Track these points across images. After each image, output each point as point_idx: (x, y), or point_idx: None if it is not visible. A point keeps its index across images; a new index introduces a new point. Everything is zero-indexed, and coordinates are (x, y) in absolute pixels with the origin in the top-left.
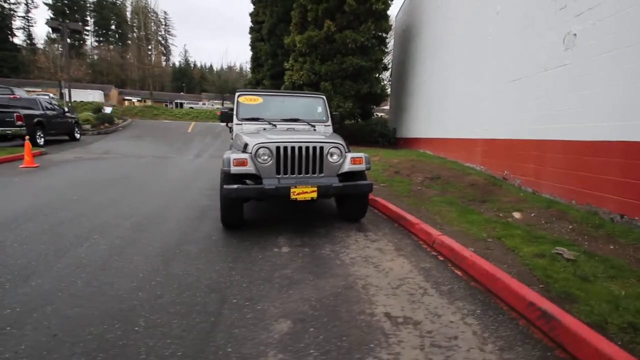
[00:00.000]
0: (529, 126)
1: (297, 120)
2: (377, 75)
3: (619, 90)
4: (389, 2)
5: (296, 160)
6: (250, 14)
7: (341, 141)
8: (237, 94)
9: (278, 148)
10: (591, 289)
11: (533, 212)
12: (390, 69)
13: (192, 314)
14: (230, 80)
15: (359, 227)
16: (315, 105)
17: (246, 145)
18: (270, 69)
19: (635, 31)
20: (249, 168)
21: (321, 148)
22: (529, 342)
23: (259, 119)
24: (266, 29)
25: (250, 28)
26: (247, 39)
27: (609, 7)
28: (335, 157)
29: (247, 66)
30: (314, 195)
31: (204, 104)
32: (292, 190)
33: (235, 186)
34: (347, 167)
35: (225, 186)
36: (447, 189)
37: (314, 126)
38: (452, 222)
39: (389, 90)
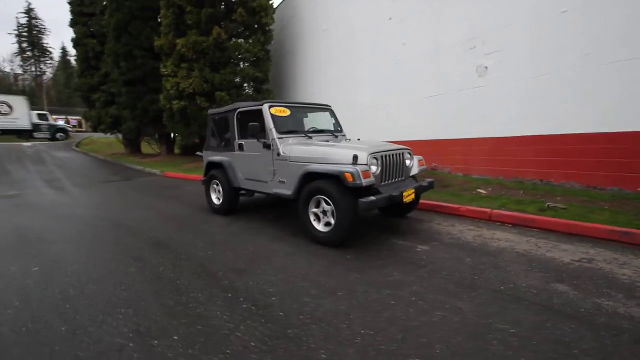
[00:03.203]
0: (454, 129)
1: (323, 131)
2: (268, 87)
3: (522, 103)
4: (273, 18)
5: (392, 167)
6: (71, 3)
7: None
8: (266, 105)
9: (383, 157)
10: (594, 219)
11: (490, 188)
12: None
13: (493, 300)
14: None
15: (421, 220)
16: (329, 117)
17: (356, 157)
18: (125, 72)
19: (528, 67)
20: (372, 179)
21: (403, 154)
22: (629, 249)
23: (295, 131)
24: (112, 25)
25: (73, 21)
26: None
27: (512, 50)
28: (408, 161)
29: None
30: (414, 196)
31: None
32: (404, 194)
33: (374, 198)
34: (417, 169)
35: (362, 200)
36: None
37: (337, 136)
38: (460, 203)
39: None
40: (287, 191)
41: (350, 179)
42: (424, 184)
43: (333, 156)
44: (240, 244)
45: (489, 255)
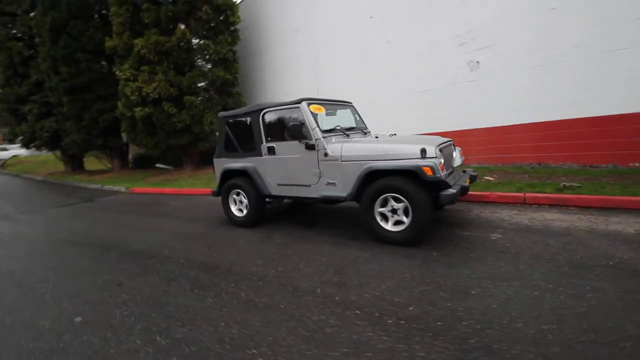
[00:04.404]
0: (449, 121)
1: (352, 129)
2: (237, 90)
3: (515, 94)
4: (239, 17)
5: (448, 159)
6: None
7: None
8: (304, 103)
9: (442, 149)
10: (612, 193)
11: (495, 174)
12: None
13: None
14: None
15: (460, 210)
16: (353, 113)
17: (424, 150)
18: (66, 78)
19: (521, 60)
20: (446, 172)
21: (451, 146)
22: None
23: (332, 130)
24: (47, 25)
25: None
26: None
27: (501, 46)
28: (454, 153)
29: None
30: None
31: None
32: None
33: (454, 190)
34: (459, 160)
35: (443, 193)
36: None
37: (366, 133)
38: (481, 190)
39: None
40: (340, 193)
41: (429, 173)
42: (473, 173)
43: (397, 151)
44: (303, 256)
45: (562, 235)
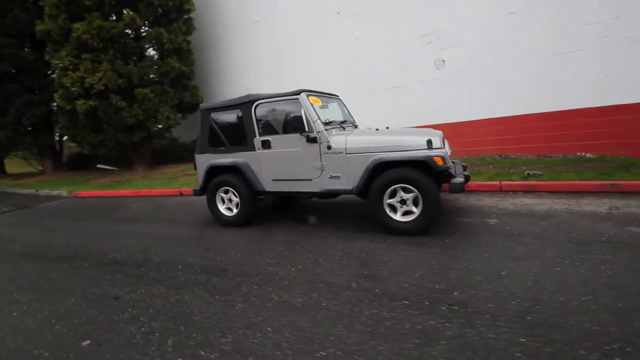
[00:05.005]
0: (416, 117)
1: (344, 122)
2: (193, 83)
3: (478, 91)
4: (194, 4)
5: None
6: None
7: None
8: (304, 94)
9: (443, 142)
10: (570, 178)
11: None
12: None
13: None
14: None
15: (447, 199)
16: (341, 107)
17: (430, 141)
18: None
19: (484, 59)
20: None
21: (444, 138)
22: (625, 195)
23: (331, 122)
24: None
25: None
26: None
27: (465, 46)
28: (445, 144)
29: None
30: None
31: None
32: None
33: (462, 179)
34: (448, 151)
35: (453, 181)
36: None
37: (356, 126)
38: None
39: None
40: (345, 186)
41: (440, 163)
42: (463, 164)
43: (403, 143)
44: (317, 252)
45: (549, 217)
